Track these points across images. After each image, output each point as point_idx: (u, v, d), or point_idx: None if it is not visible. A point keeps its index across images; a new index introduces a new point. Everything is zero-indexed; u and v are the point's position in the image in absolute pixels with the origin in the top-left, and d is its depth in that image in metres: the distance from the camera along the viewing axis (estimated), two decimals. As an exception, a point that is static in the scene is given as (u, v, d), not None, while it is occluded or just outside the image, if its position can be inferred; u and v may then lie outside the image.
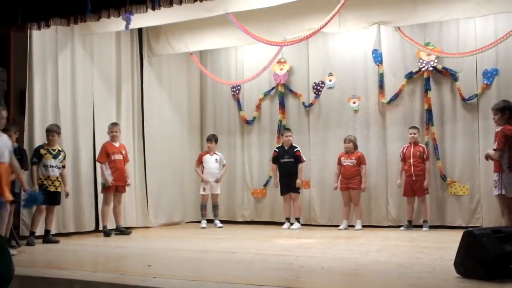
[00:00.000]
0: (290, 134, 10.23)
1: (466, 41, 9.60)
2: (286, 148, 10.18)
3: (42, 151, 8.51)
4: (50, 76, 9.25)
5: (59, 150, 8.69)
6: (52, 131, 8.64)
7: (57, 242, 8.45)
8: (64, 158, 8.77)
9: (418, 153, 9.48)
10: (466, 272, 5.00)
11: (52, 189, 8.52)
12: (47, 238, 8.50)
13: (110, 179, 9.38)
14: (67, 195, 8.80)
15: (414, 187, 9.46)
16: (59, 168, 8.63)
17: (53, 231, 8.89)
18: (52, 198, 8.55)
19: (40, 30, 8.03)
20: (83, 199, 9.61)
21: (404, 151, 9.63)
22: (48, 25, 7.78)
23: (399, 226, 9.70)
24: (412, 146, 9.56)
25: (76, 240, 8.94)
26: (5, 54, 8.63)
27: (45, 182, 8.46)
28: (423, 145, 9.60)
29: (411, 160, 9.49)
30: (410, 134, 9.59)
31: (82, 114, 9.73)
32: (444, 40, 9.82)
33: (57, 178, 8.58)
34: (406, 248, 7.49)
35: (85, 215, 9.62)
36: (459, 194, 9.61)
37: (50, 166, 8.52)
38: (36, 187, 8.31)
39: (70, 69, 9.61)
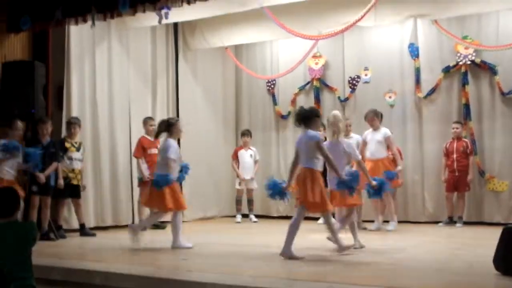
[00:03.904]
0: (321, 130, 10.00)
1: (506, 34, 9.40)
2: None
3: (67, 144, 8.52)
4: (87, 71, 9.35)
5: (80, 143, 8.71)
6: (75, 124, 8.63)
7: (93, 235, 8.54)
8: (84, 150, 8.81)
9: (462, 148, 9.32)
10: (506, 269, 4.91)
11: (75, 182, 8.54)
12: (84, 231, 8.58)
13: (147, 173, 9.43)
14: (84, 188, 8.79)
15: (456, 183, 9.32)
16: (81, 161, 8.67)
17: (92, 224, 9.02)
18: (76, 191, 8.58)
19: (77, 25, 8.14)
20: (120, 193, 9.70)
21: (447, 146, 9.47)
22: (85, 20, 7.90)
23: (437, 222, 9.58)
24: (456, 141, 9.39)
25: (112, 233, 9.03)
26: (44, 49, 8.74)
27: (69, 175, 8.45)
28: (466, 140, 9.42)
29: (454, 156, 9.33)
30: (453, 128, 9.41)
31: (119, 109, 9.82)
32: (483, 33, 9.64)
33: (80, 171, 8.62)
34: (443, 244, 7.40)
35: (122, 209, 9.72)
36: (497, 190, 9.44)
37: (74, 159, 8.54)
38: (61, 181, 8.29)
39: (106, 64, 9.69)
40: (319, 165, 6.35)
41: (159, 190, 7.07)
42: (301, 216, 6.41)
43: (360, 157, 7.14)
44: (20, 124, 7.85)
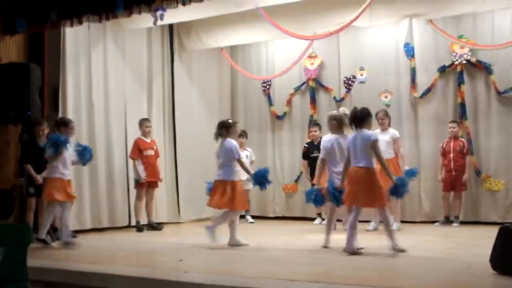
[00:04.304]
0: (315, 129, 10.14)
1: (502, 33, 9.42)
2: (315, 143, 10.09)
3: None
4: (83, 73, 9.33)
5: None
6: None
7: (74, 237, 8.42)
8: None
9: (458, 147, 9.32)
10: (503, 268, 4.91)
11: None
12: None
13: (143, 175, 9.42)
14: None
15: (453, 182, 9.32)
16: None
17: (88, 226, 9.05)
18: None
19: (72, 27, 8.14)
20: (116, 194, 9.68)
21: (444, 146, 9.48)
22: (80, 22, 7.90)
23: (433, 222, 9.59)
24: (452, 140, 9.40)
25: (109, 235, 9.02)
26: (39, 51, 8.72)
27: None
28: (463, 140, 9.43)
29: (451, 155, 9.34)
30: (450, 128, 9.42)
31: (115, 110, 9.80)
32: (479, 32, 9.65)
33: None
34: (440, 244, 7.40)
35: (119, 211, 9.71)
36: (494, 189, 9.45)
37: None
38: None
39: (102, 65, 9.68)
40: (374, 163, 6.55)
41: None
42: (358, 215, 6.57)
43: None
44: (73, 125, 7.88)
